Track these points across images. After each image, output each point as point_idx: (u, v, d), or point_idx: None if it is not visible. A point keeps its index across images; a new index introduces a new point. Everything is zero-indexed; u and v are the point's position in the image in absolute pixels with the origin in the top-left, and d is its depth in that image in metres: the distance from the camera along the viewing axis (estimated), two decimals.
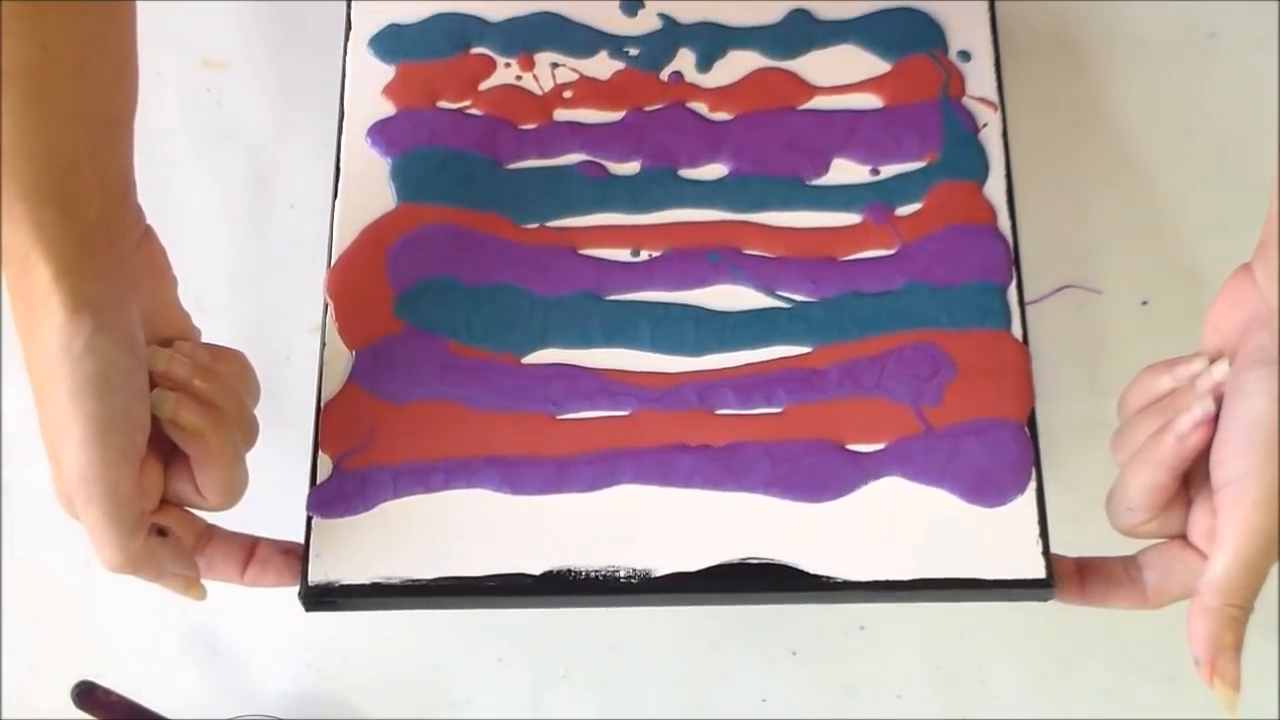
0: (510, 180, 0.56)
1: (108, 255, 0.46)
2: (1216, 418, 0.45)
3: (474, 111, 0.57)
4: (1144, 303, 0.60)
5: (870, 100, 0.57)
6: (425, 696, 0.58)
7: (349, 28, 0.58)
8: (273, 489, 0.61)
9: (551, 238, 0.55)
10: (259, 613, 0.59)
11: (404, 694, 0.58)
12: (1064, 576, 0.49)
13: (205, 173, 0.62)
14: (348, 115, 0.57)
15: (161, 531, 0.48)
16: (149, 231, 0.49)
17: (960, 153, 0.56)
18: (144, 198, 0.63)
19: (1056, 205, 0.61)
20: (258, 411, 0.56)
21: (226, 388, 0.50)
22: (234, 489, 0.50)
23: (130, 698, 0.55)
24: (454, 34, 0.58)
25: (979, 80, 0.57)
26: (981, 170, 0.55)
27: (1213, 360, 0.46)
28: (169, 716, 0.56)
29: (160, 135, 0.63)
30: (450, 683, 0.58)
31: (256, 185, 0.62)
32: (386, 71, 0.57)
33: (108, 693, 0.55)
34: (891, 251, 0.54)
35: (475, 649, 0.59)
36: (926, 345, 0.52)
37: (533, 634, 0.59)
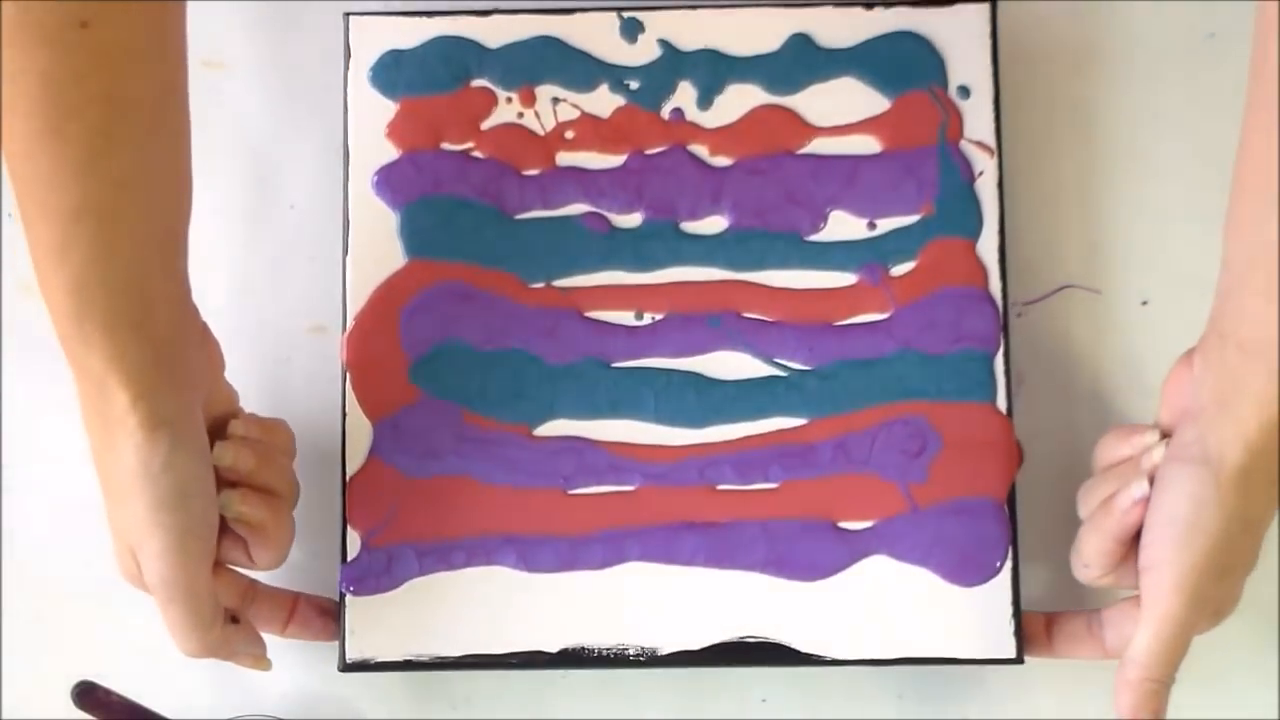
0: (516, 233, 0.57)
1: (181, 370, 0.48)
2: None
3: (478, 154, 0.57)
4: (1144, 303, 0.60)
5: (869, 143, 0.57)
6: (425, 696, 0.58)
7: (348, 54, 0.58)
8: None
9: (557, 299, 0.56)
10: None
11: (404, 694, 0.58)
12: (1033, 634, 0.54)
13: (205, 173, 0.62)
14: (353, 160, 0.57)
15: (234, 619, 0.52)
16: (206, 330, 0.51)
17: (955, 206, 0.57)
18: None
19: (1056, 204, 0.61)
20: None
21: (281, 469, 0.53)
22: (284, 558, 0.53)
23: (130, 698, 0.55)
24: (453, 63, 0.58)
25: (978, 119, 0.57)
26: (975, 225, 0.57)
27: (1163, 434, 0.50)
28: (169, 716, 0.56)
29: None
30: (450, 683, 0.58)
31: (256, 185, 0.62)
32: (389, 108, 0.57)
33: (108, 693, 0.55)
34: (885, 316, 0.56)
35: None
36: (915, 419, 0.55)
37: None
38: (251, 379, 0.59)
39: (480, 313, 0.56)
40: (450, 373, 0.56)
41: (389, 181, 0.57)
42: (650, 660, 0.54)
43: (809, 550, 0.54)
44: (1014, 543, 0.55)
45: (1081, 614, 0.54)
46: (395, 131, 0.57)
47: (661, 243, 0.57)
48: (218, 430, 0.51)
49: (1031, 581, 0.57)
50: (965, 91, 0.57)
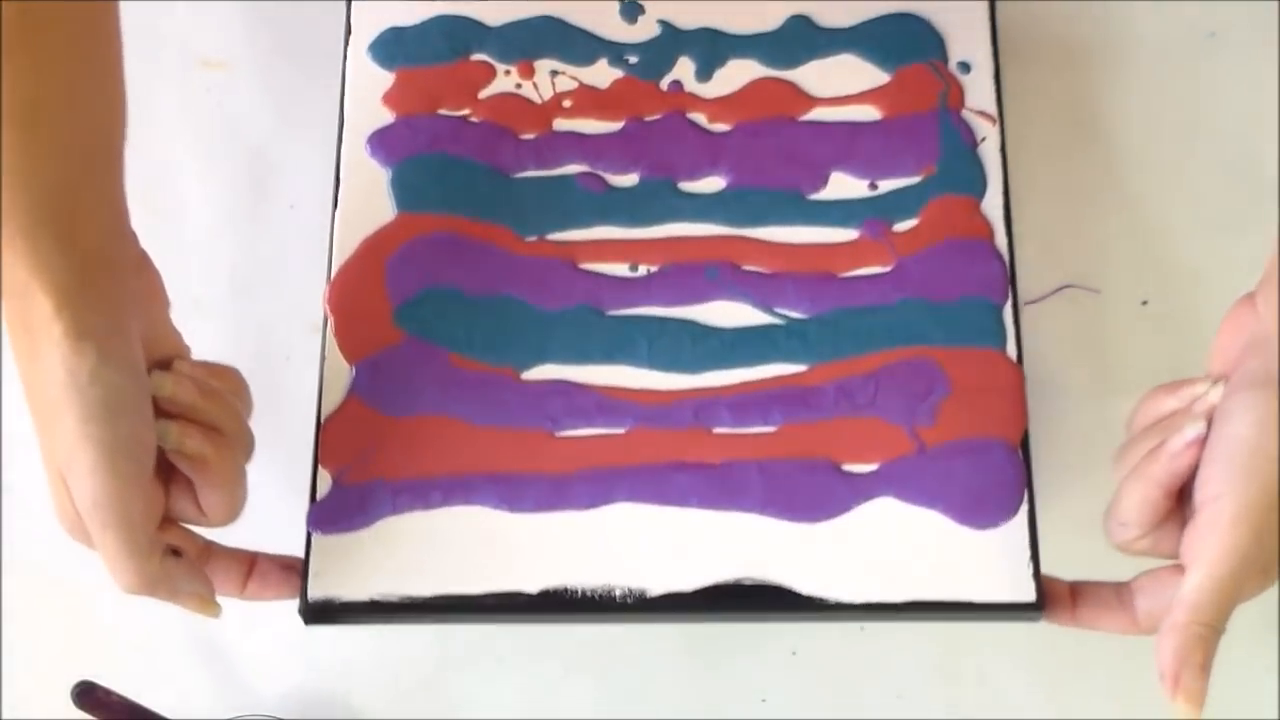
0: (511, 189, 0.56)
1: (107, 284, 0.46)
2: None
3: (474, 120, 0.57)
4: (1144, 303, 0.60)
5: (869, 112, 0.57)
6: (425, 696, 0.58)
7: (349, 31, 0.58)
8: (272, 490, 0.61)
9: (551, 250, 0.55)
10: (259, 613, 0.59)
11: (404, 694, 0.58)
12: (1056, 598, 0.50)
13: (205, 173, 0.62)
14: (347, 124, 0.57)
15: (175, 552, 0.49)
16: (144, 256, 0.50)
17: (958, 166, 0.56)
18: (144, 198, 0.63)
19: (1056, 205, 0.61)
20: (256, 414, 0.56)
21: (228, 408, 0.51)
22: (235, 507, 0.51)
23: (130, 698, 0.55)
24: (453, 38, 0.58)
25: (978, 92, 0.57)
26: (979, 184, 0.56)
27: (1215, 382, 0.47)
28: (169, 716, 0.56)
29: (160, 135, 0.63)
30: (450, 683, 0.58)
31: (256, 185, 0.62)
32: (386, 78, 0.57)
33: (108, 693, 0.55)
34: (888, 268, 0.55)
35: (475, 649, 0.59)
36: (921, 361, 0.53)
37: (533, 634, 0.59)
38: (251, 379, 0.59)
39: (471, 261, 0.55)
40: (437, 316, 0.54)
41: (383, 142, 0.56)
42: (638, 604, 0.50)
43: (810, 491, 0.51)
44: (1030, 487, 0.51)
45: (1109, 583, 0.49)
46: (392, 99, 0.57)
47: (659, 200, 0.56)
48: (162, 367, 0.49)
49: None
50: (966, 66, 0.57)
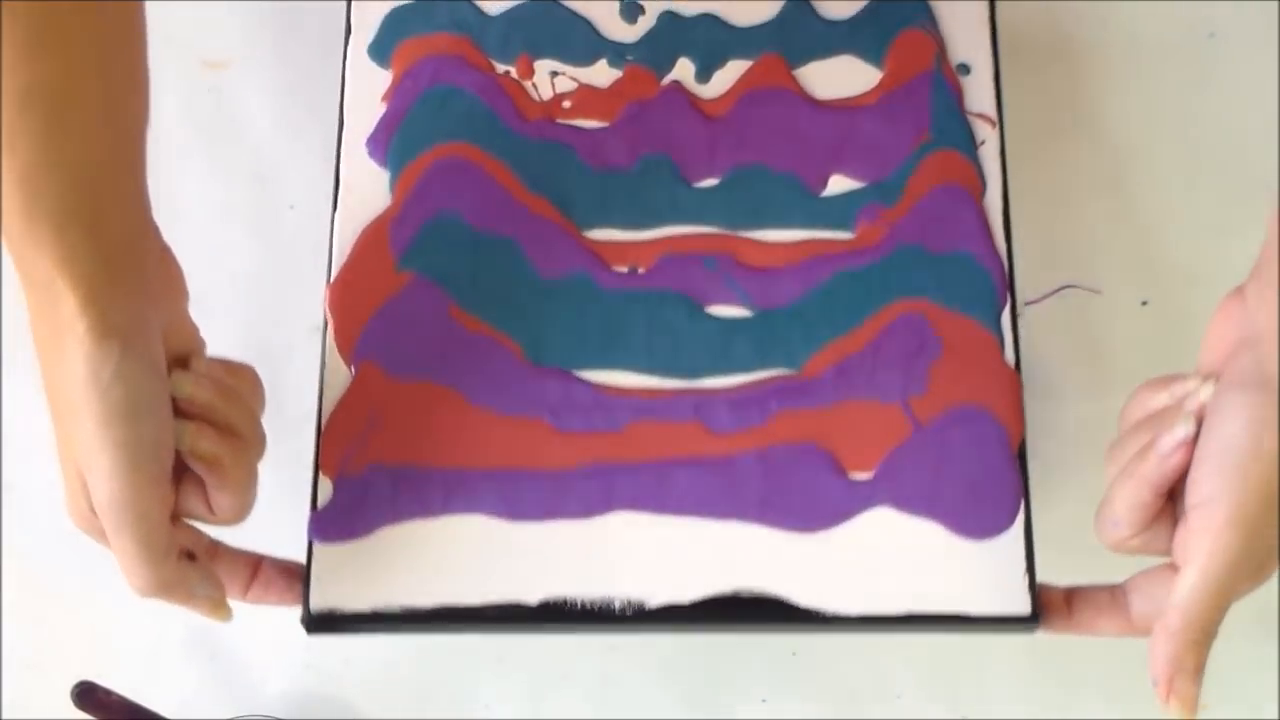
0: (511, 138, 0.56)
1: (132, 277, 0.46)
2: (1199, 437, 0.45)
3: (478, 69, 0.57)
4: (1144, 303, 0.60)
5: (866, 99, 0.57)
6: (425, 696, 0.58)
7: (349, 31, 0.58)
8: (273, 490, 0.61)
9: (551, 214, 0.55)
10: (259, 613, 0.59)
11: (404, 694, 0.58)
12: (1051, 606, 0.50)
13: (205, 173, 0.62)
14: (347, 125, 0.57)
15: (190, 555, 0.49)
16: (166, 249, 0.49)
17: (950, 126, 0.56)
18: None
19: (1056, 205, 0.61)
20: None
21: (244, 409, 0.50)
22: (245, 507, 0.50)
23: (130, 698, 0.55)
24: (455, 14, 0.58)
25: (978, 95, 0.57)
26: (968, 142, 0.55)
27: (1206, 379, 0.46)
28: (169, 716, 0.56)
29: (160, 135, 0.62)
30: (450, 683, 0.58)
31: (256, 185, 0.62)
32: (386, 78, 0.57)
33: (108, 693, 0.55)
34: (883, 237, 0.54)
35: (475, 649, 0.59)
36: (913, 318, 0.53)
37: (533, 634, 0.58)
38: None
39: (475, 189, 0.55)
40: (440, 250, 0.54)
41: (384, 122, 0.56)
42: (637, 615, 0.50)
43: (808, 497, 0.51)
44: (1027, 496, 0.51)
45: (1104, 586, 0.50)
46: (394, 65, 0.57)
47: (661, 189, 0.56)
48: (179, 364, 0.49)
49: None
50: (965, 69, 0.57)
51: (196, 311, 0.60)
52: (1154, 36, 0.62)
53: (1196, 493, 0.45)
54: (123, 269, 0.45)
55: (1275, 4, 0.63)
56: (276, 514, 0.57)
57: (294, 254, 0.61)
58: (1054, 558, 0.55)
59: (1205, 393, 0.46)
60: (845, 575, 0.50)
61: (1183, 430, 0.45)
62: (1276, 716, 0.57)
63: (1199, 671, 0.44)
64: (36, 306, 0.45)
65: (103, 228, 0.44)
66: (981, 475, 0.51)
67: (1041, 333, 0.59)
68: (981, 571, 0.50)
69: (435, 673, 0.58)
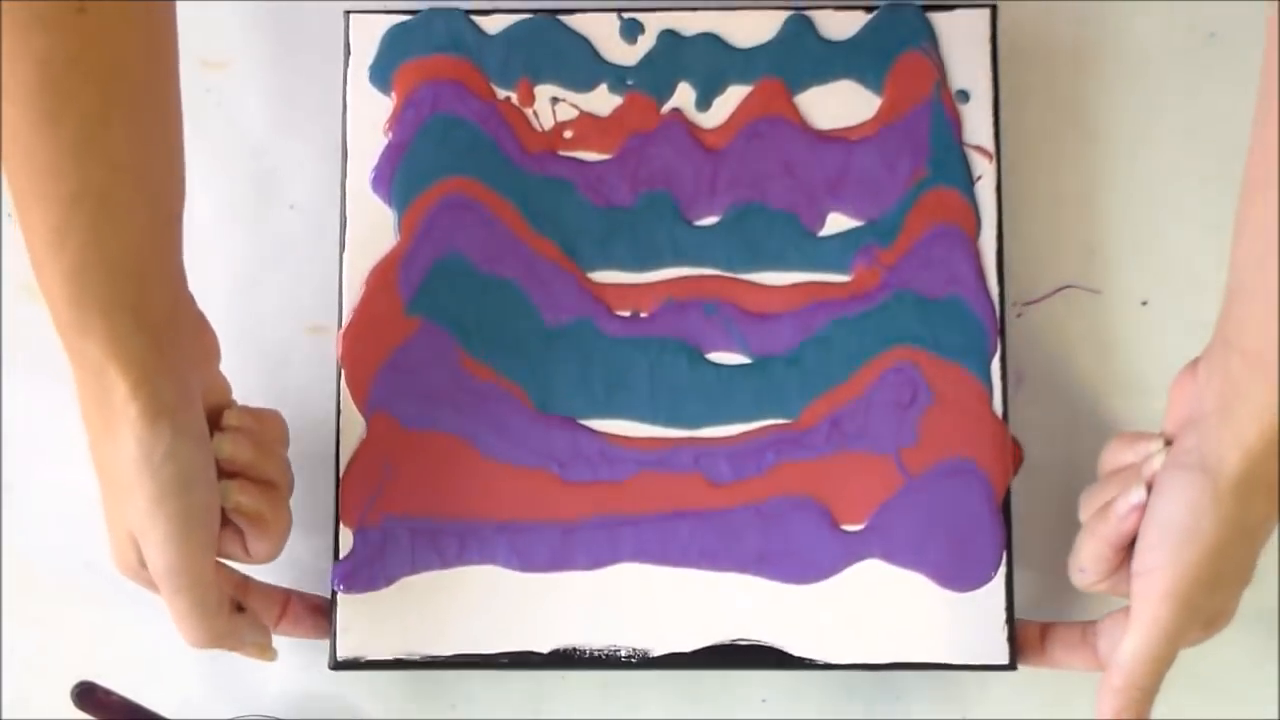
0: (513, 170, 0.56)
1: (177, 354, 0.47)
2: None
3: (479, 97, 0.57)
4: (1144, 303, 0.60)
5: (865, 129, 0.57)
6: (425, 696, 0.58)
7: (348, 52, 0.58)
8: None
9: (554, 254, 0.56)
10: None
11: (404, 694, 0.58)
12: (1027, 641, 0.54)
13: (205, 173, 0.62)
14: (351, 158, 0.57)
15: (239, 607, 0.52)
16: (201, 316, 0.51)
17: (948, 160, 0.56)
18: None
19: (1056, 205, 0.61)
20: None
21: (279, 460, 0.53)
22: (281, 549, 0.53)
23: (130, 698, 0.55)
24: (453, 33, 0.57)
25: (977, 124, 0.57)
26: (966, 179, 0.56)
27: (1167, 442, 0.49)
28: (169, 717, 0.56)
29: None
30: (450, 683, 0.58)
31: (256, 185, 0.62)
32: (387, 104, 0.57)
33: (108, 693, 0.55)
34: (879, 282, 0.56)
35: None
36: (906, 367, 0.55)
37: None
38: (251, 379, 0.59)
39: (480, 227, 0.56)
40: (447, 293, 0.55)
41: (388, 166, 0.57)
42: (642, 662, 0.54)
43: (802, 545, 0.54)
44: (1009, 548, 0.54)
45: (1076, 624, 0.53)
46: (396, 90, 0.57)
47: (661, 228, 0.56)
48: (212, 420, 0.51)
49: (1028, 586, 0.57)
50: (965, 95, 0.57)
51: None
52: (1154, 36, 0.62)
53: (1141, 561, 0.48)
54: (169, 348, 0.47)
55: (1276, 4, 0.63)
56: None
57: (294, 254, 0.61)
58: (1053, 557, 0.55)
59: (1158, 461, 0.49)
60: (836, 625, 0.54)
61: (1135, 496, 0.49)
62: (1276, 717, 0.57)
63: None
64: (87, 391, 0.47)
65: (148, 310, 0.46)
66: (966, 529, 0.54)
67: (1041, 333, 0.59)
68: (964, 622, 0.54)
69: (435, 673, 0.58)
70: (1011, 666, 0.54)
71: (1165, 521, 0.47)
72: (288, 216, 0.61)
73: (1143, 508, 0.48)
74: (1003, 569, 0.54)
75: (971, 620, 0.54)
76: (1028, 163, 0.60)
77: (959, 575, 0.54)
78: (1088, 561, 0.51)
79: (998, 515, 0.54)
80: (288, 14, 0.62)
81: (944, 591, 0.54)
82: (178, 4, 0.47)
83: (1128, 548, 0.50)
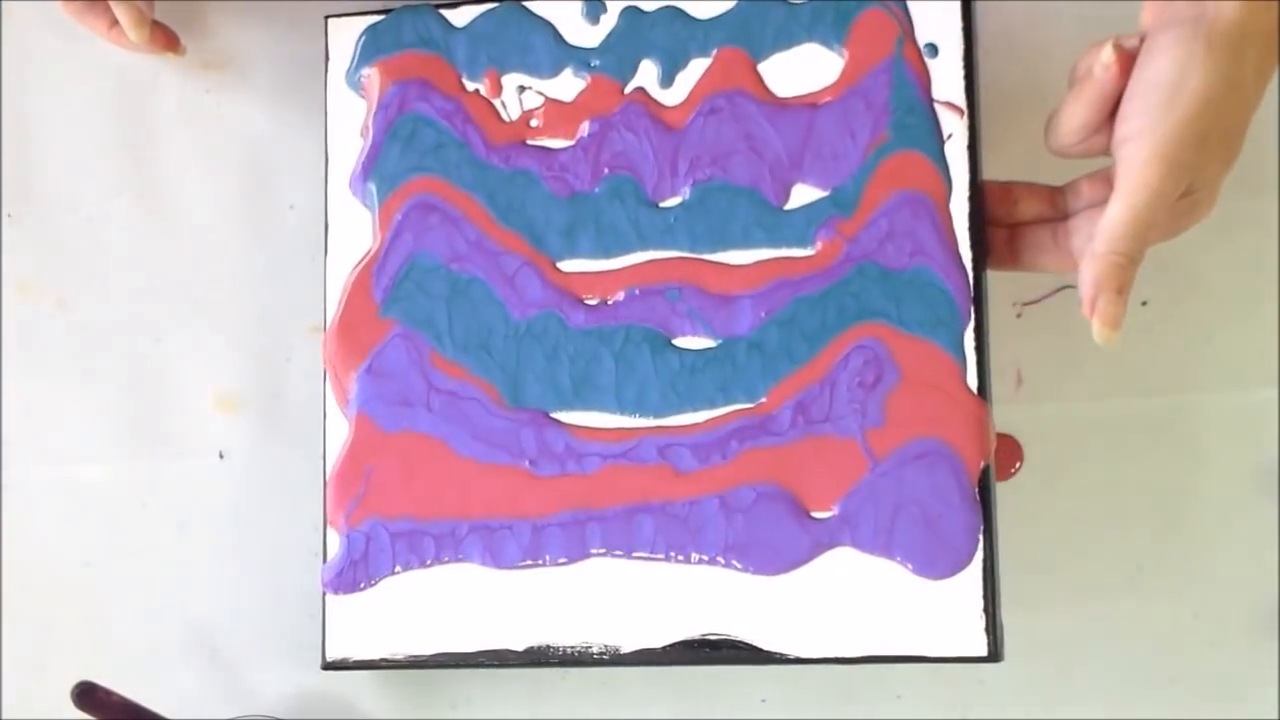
0: (478, 165, 0.56)
1: None
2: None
3: (445, 93, 0.57)
4: (1144, 303, 0.60)
5: (827, 92, 0.55)
6: (425, 696, 0.58)
7: (327, 59, 0.58)
8: (273, 489, 0.61)
9: (520, 248, 0.56)
10: (259, 613, 0.59)
11: (404, 694, 0.58)
12: (996, 248, 0.52)
13: (205, 173, 0.62)
14: (331, 162, 0.57)
15: None
16: None
17: (910, 123, 0.54)
18: (144, 198, 0.63)
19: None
20: (257, 415, 0.56)
21: None
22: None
23: (130, 698, 0.55)
24: (421, 28, 0.57)
25: (947, 80, 0.54)
26: (933, 141, 0.54)
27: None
28: (169, 717, 0.56)
29: (160, 135, 0.63)
30: (450, 683, 0.58)
31: (256, 185, 0.62)
32: (363, 107, 0.57)
33: (108, 693, 0.55)
34: (842, 254, 0.54)
35: None
36: (871, 344, 0.53)
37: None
38: (251, 379, 0.59)
39: (448, 227, 0.56)
40: (419, 296, 0.56)
41: (363, 169, 0.57)
42: (613, 659, 0.53)
43: (770, 535, 0.52)
44: (990, 534, 0.51)
45: (1046, 225, 0.52)
46: (367, 104, 0.57)
47: (624, 212, 0.56)
48: None
49: (1028, 587, 0.56)
50: (934, 49, 0.55)
51: (196, 311, 0.61)
52: None
53: (1124, 128, 0.47)
54: None
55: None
56: (278, 510, 0.57)
57: (294, 254, 0.61)
58: (1051, 554, 0.55)
59: (1142, 24, 0.48)
60: (808, 618, 0.52)
61: (1106, 54, 0.47)
62: (1276, 717, 0.57)
63: (1123, 293, 0.47)
64: None
65: None
66: (938, 512, 0.51)
67: (1041, 333, 0.59)
68: (940, 611, 0.51)
69: (435, 672, 0.58)
70: (992, 658, 0.50)
71: (1152, 82, 0.46)
72: (287, 217, 0.61)
73: (1123, 68, 0.47)
74: (979, 555, 0.51)
75: (948, 610, 0.51)
76: (1025, 162, 0.60)
77: (933, 562, 0.51)
78: (1064, 118, 0.49)
79: (972, 497, 0.51)
80: (287, 15, 0.62)
81: (918, 579, 0.51)
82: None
83: (1109, 115, 0.48)
